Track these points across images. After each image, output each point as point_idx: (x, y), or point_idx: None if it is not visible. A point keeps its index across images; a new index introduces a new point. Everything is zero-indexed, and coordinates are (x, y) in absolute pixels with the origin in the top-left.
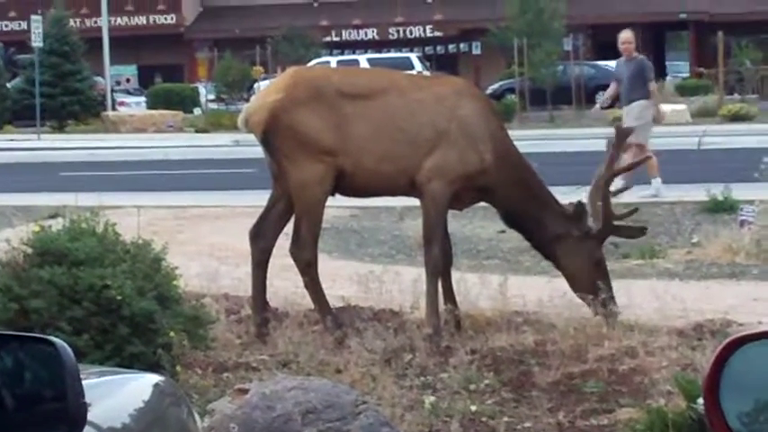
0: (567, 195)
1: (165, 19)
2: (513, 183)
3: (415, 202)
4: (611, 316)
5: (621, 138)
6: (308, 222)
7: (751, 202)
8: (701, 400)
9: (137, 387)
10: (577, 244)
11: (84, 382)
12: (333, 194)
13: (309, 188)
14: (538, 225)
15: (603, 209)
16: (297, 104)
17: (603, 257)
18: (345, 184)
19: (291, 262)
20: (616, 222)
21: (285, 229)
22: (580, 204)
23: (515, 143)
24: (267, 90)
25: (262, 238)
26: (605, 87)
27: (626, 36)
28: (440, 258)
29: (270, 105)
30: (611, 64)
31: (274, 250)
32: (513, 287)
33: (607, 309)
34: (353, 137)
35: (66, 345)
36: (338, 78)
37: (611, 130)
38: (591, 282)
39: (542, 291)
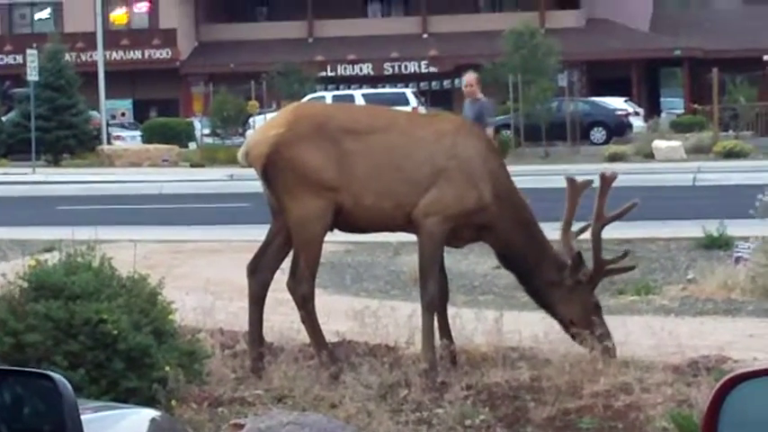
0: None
1: (161, 53)
2: (512, 222)
3: (411, 237)
4: (608, 353)
5: (607, 184)
6: (306, 257)
7: (746, 239)
8: None
9: (134, 422)
10: (571, 292)
11: (81, 417)
12: (331, 230)
13: (309, 223)
14: (534, 270)
15: (595, 256)
16: (298, 139)
17: (598, 302)
18: (344, 219)
19: (287, 296)
20: (608, 267)
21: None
22: (579, 255)
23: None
24: (268, 124)
25: (259, 273)
26: (600, 123)
27: (469, 78)
28: (435, 294)
29: (271, 140)
30: (607, 100)
31: (270, 285)
32: (509, 323)
33: (603, 346)
34: (354, 173)
35: (65, 380)
36: (340, 115)
37: (606, 166)
38: (588, 326)
39: (538, 326)
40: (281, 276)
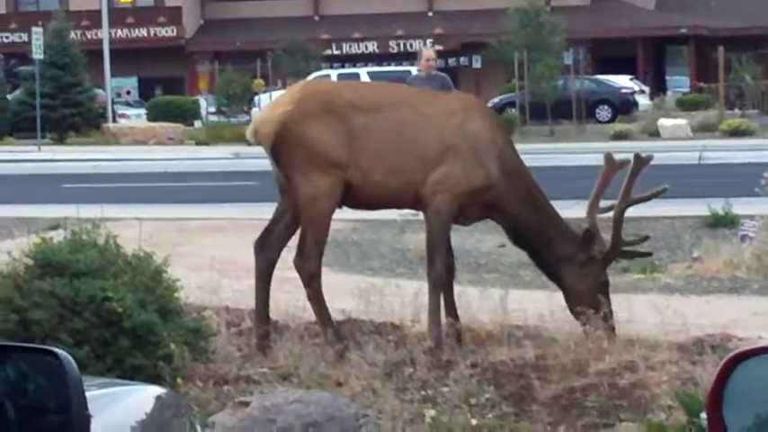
0: (567, 209)
1: (166, 31)
2: (521, 200)
3: (417, 215)
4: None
5: (640, 165)
6: (314, 235)
7: (752, 217)
8: (703, 415)
9: (139, 399)
10: (583, 267)
11: (87, 394)
12: (340, 207)
13: (318, 201)
14: (544, 244)
15: (614, 233)
16: (307, 116)
17: (608, 280)
18: (353, 196)
19: (292, 275)
20: (624, 248)
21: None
22: (589, 230)
23: None
24: (277, 102)
25: (267, 250)
26: (606, 102)
27: (430, 53)
28: (442, 271)
29: (280, 117)
30: (612, 78)
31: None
32: (514, 301)
33: (611, 327)
34: (363, 150)
35: (69, 356)
36: (348, 92)
37: (611, 145)
38: (593, 304)
39: (543, 305)
40: (287, 254)
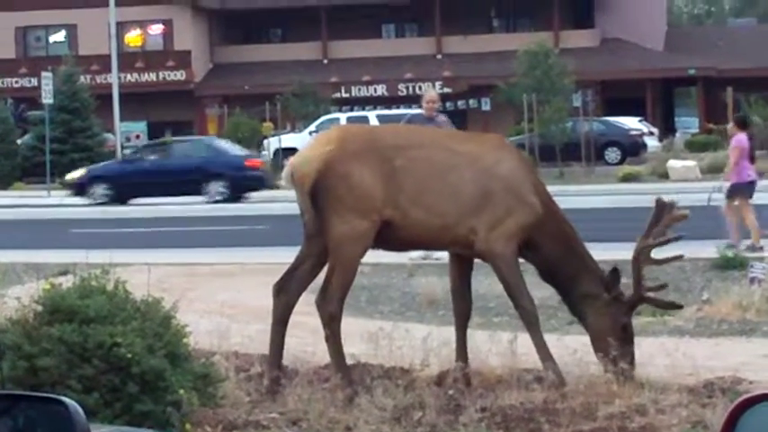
0: None
1: (175, 75)
2: (554, 236)
3: (425, 260)
4: (627, 377)
5: (661, 210)
6: (340, 277)
7: (761, 259)
8: None
9: None
10: (607, 307)
11: None
12: (375, 248)
13: (350, 243)
14: (573, 282)
15: (635, 279)
16: (350, 155)
17: (630, 324)
18: (390, 236)
19: (302, 319)
20: (647, 294)
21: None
22: (615, 270)
23: None
24: (314, 144)
25: (285, 294)
26: (615, 143)
27: (433, 95)
28: (533, 309)
29: (323, 156)
30: (621, 120)
31: None
32: (523, 345)
33: (623, 370)
34: (403, 189)
35: (77, 405)
36: (386, 132)
37: (620, 186)
38: (613, 345)
39: (552, 348)
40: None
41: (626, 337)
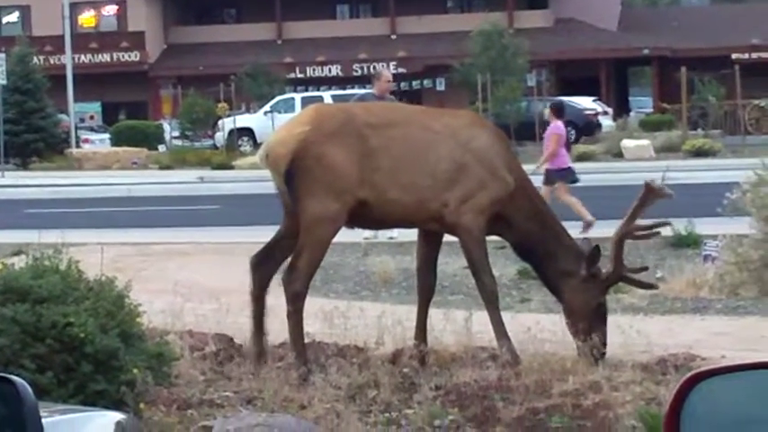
0: None
1: (129, 56)
2: (527, 212)
3: (380, 238)
4: (599, 359)
5: (650, 195)
6: (310, 256)
7: (714, 237)
8: None
9: (100, 425)
10: (583, 284)
11: (47, 420)
12: (351, 227)
13: (323, 224)
14: (549, 259)
15: (614, 258)
16: (325, 135)
17: (605, 302)
18: (366, 214)
19: None
20: (626, 273)
21: (245, 265)
22: (597, 248)
23: None
24: (291, 124)
25: (263, 267)
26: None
27: (389, 74)
28: (494, 287)
29: (298, 137)
30: (576, 100)
31: (237, 286)
32: (478, 323)
33: (595, 352)
34: (378, 167)
35: (26, 383)
36: (360, 111)
37: (574, 166)
38: (587, 322)
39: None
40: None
41: (600, 316)
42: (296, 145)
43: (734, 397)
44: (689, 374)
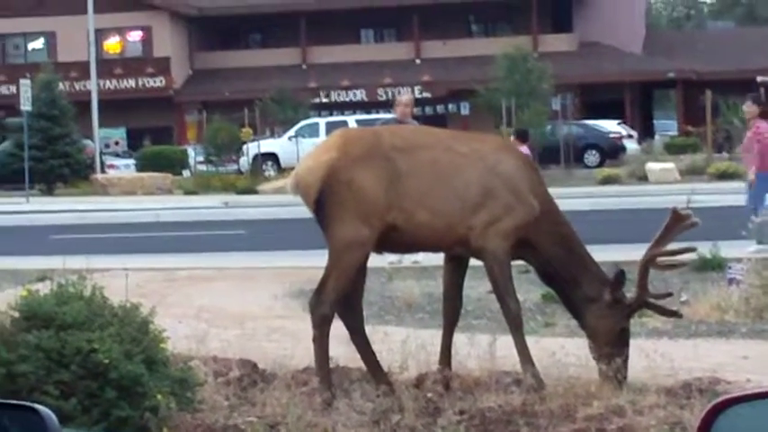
0: None
1: (155, 82)
2: (554, 237)
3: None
4: (621, 382)
5: (677, 222)
6: (337, 281)
7: (739, 260)
8: None
9: None
10: (607, 309)
11: None
12: (379, 252)
13: (352, 249)
14: (573, 284)
15: (639, 284)
16: (353, 160)
17: (628, 328)
18: (394, 238)
19: (278, 323)
20: (649, 300)
21: (269, 290)
22: (622, 272)
23: None
24: (316, 151)
25: (351, 306)
26: (594, 146)
27: (410, 99)
28: (519, 311)
29: (326, 163)
30: (600, 123)
31: (261, 311)
32: (502, 347)
33: (618, 375)
34: (408, 191)
35: (50, 412)
36: (387, 134)
37: (599, 189)
38: (610, 347)
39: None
40: (274, 303)
41: (623, 341)
42: (324, 172)
43: (761, 423)
44: (715, 401)
